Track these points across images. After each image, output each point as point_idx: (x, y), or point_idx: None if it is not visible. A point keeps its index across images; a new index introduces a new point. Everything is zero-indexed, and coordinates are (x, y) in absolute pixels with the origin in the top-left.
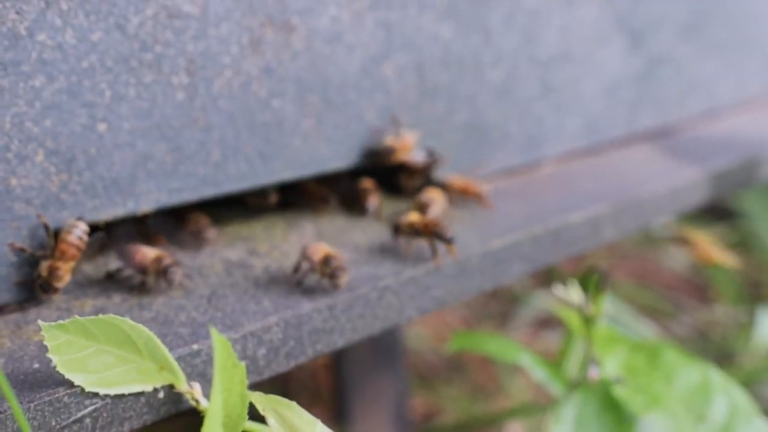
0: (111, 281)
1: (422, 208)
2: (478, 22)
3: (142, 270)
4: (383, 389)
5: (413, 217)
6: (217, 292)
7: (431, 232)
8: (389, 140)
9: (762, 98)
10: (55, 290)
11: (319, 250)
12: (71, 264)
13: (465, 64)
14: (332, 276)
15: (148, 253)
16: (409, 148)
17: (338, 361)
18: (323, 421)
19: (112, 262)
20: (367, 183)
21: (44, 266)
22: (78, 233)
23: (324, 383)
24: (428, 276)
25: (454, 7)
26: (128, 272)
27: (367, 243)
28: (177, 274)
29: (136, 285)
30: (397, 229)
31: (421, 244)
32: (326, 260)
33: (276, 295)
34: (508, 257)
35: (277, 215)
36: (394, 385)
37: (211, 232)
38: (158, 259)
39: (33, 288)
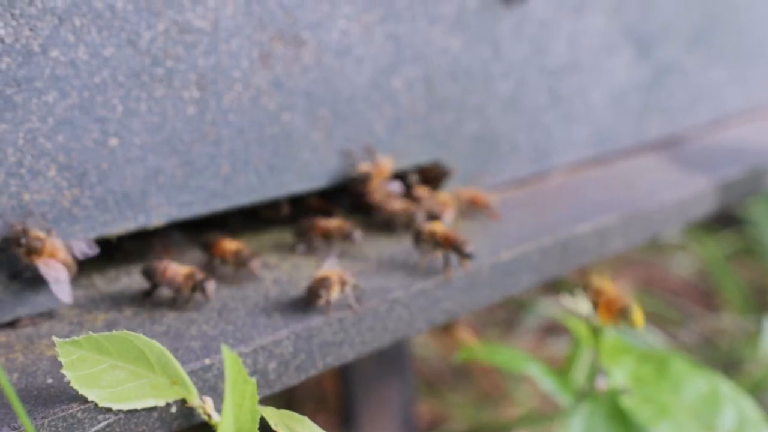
0: (145, 299)
1: (435, 217)
2: (486, 33)
3: (175, 287)
4: (389, 396)
5: (436, 226)
6: (228, 305)
7: (451, 245)
8: (365, 166)
9: None
10: (30, 253)
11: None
12: (44, 257)
13: (474, 76)
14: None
15: (179, 269)
16: (386, 174)
17: (344, 369)
18: (330, 429)
19: (133, 281)
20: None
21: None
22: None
23: (330, 390)
24: (438, 288)
25: (462, 19)
26: (163, 291)
27: (377, 255)
28: (211, 288)
29: (169, 302)
30: (419, 237)
31: (435, 255)
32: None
33: (286, 309)
34: (518, 269)
35: (287, 227)
36: (401, 392)
37: (257, 263)
38: (191, 275)
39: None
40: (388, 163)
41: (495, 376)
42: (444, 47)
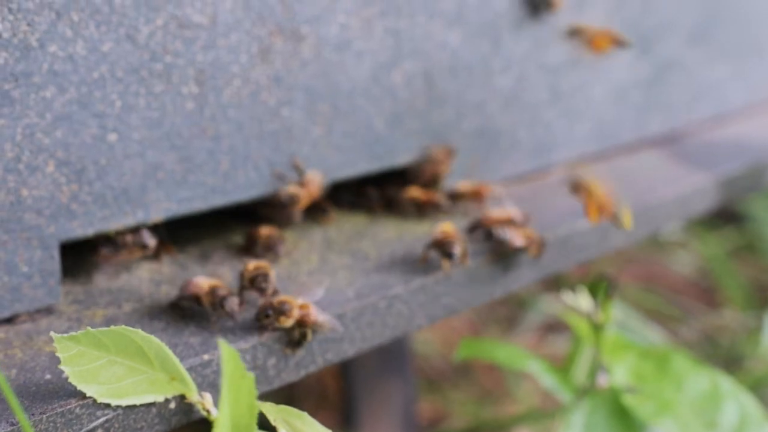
0: (174, 309)
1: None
2: (486, 28)
3: (197, 300)
4: (390, 394)
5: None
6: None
7: (437, 246)
8: (291, 188)
9: None
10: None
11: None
12: None
13: (474, 71)
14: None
15: (202, 283)
16: (316, 193)
17: (345, 366)
18: (330, 426)
19: (133, 278)
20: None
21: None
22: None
23: (331, 388)
24: (438, 284)
25: (462, 14)
26: (185, 303)
27: (376, 251)
28: (233, 304)
29: (194, 315)
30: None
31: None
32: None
33: None
34: (518, 265)
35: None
36: (402, 389)
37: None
38: (213, 290)
39: None
40: (317, 180)
41: (496, 374)
42: (444, 42)
